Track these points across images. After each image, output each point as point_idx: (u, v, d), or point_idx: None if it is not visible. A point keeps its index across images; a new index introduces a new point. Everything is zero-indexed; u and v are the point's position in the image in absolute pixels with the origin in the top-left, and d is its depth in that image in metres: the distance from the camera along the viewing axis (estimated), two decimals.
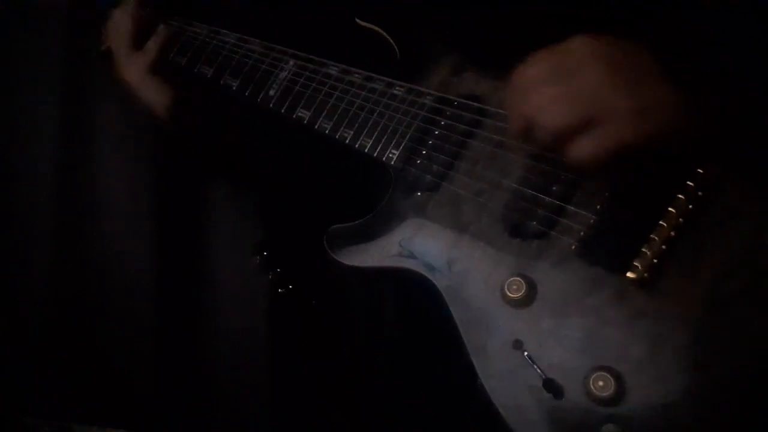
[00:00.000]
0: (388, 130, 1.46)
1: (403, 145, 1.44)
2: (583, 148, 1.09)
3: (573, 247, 1.23)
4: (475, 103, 1.41)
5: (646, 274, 1.15)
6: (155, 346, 2.23)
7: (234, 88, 1.66)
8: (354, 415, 2.05)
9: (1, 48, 2.14)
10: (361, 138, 1.48)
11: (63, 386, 2.15)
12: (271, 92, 1.62)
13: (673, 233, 1.15)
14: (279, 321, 2.22)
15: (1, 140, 2.17)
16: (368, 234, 1.44)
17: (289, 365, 2.25)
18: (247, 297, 2.27)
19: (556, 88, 1.10)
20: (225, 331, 2.29)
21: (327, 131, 1.53)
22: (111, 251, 2.24)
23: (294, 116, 1.57)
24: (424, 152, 1.42)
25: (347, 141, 1.50)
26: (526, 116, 1.14)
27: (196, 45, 1.75)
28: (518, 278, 1.25)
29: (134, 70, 1.69)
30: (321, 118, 1.54)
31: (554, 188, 1.27)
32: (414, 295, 1.42)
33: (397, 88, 1.49)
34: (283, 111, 1.59)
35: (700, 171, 1.16)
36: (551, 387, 1.16)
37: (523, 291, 1.23)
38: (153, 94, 1.67)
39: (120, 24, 1.72)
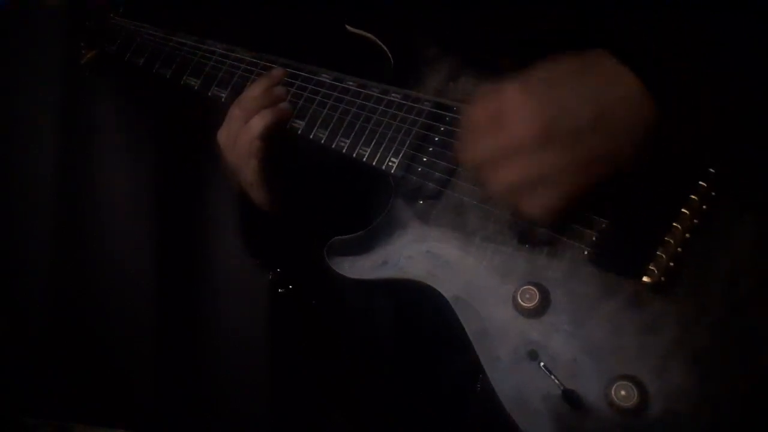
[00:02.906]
0: (386, 138, 1.42)
1: (402, 152, 1.40)
2: (531, 210, 1.16)
3: (586, 252, 1.20)
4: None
5: (662, 278, 1.13)
6: (155, 346, 2.23)
7: (223, 99, 1.60)
8: (354, 415, 2.05)
9: (1, 48, 2.13)
10: (358, 147, 1.44)
11: (63, 386, 2.15)
12: None
13: (687, 235, 1.13)
14: (279, 321, 2.22)
15: (1, 140, 2.16)
16: (370, 245, 1.40)
17: (289, 365, 2.25)
18: (247, 297, 2.27)
19: (493, 144, 1.15)
20: (225, 331, 2.30)
21: (322, 141, 1.48)
22: (111, 251, 2.24)
23: (287, 126, 1.52)
24: (424, 159, 1.38)
25: (344, 150, 1.46)
26: (473, 166, 1.22)
27: (180, 56, 1.70)
28: (531, 287, 1.21)
29: (251, 168, 1.51)
30: (316, 128, 1.50)
31: None
32: (418, 302, 1.39)
33: (392, 94, 1.45)
34: None
35: (712, 171, 1.14)
36: (571, 398, 1.13)
37: (536, 300, 1.20)
38: (269, 184, 1.53)
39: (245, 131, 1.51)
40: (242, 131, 1.49)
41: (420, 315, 1.49)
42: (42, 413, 1.97)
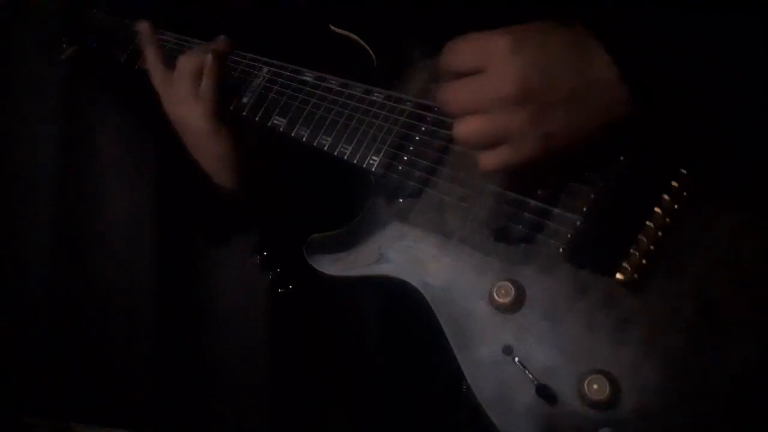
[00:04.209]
0: (368, 137, 1.43)
1: (383, 151, 1.41)
2: (486, 162, 1.17)
3: (560, 250, 1.20)
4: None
5: (635, 276, 1.13)
6: (155, 346, 2.23)
7: None
8: (353, 415, 2.05)
9: (2, 50, 2.14)
10: (340, 145, 1.45)
11: (63, 386, 2.16)
12: (245, 100, 1.60)
13: (660, 233, 1.13)
14: (279, 321, 2.22)
15: (2, 142, 2.18)
16: (349, 242, 1.41)
17: (289, 365, 2.25)
18: (247, 297, 2.27)
19: (470, 92, 1.16)
20: (225, 331, 2.30)
21: (304, 139, 1.50)
22: (111, 251, 2.25)
23: (269, 124, 1.55)
24: (405, 158, 1.39)
25: (326, 148, 1.47)
26: (446, 111, 1.22)
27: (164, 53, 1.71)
28: (506, 283, 1.22)
29: (199, 112, 1.57)
30: (298, 126, 1.51)
31: (539, 191, 1.25)
32: (399, 301, 1.39)
33: (375, 94, 1.46)
34: (257, 119, 1.57)
35: (684, 171, 1.14)
36: (544, 392, 1.14)
37: (511, 296, 1.20)
38: (226, 141, 1.59)
39: (184, 72, 1.58)
40: (183, 66, 1.58)
41: (404, 313, 1.49)
42: (42, 413, 1.98)
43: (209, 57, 1.56)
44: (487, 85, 1.13)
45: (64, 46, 1.93)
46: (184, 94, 1.58)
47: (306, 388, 2.24)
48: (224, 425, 2.28)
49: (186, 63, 1.58)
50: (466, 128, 1.16)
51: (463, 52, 1.18)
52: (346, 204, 1.52)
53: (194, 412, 2.26)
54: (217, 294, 2.31)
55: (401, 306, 1.45)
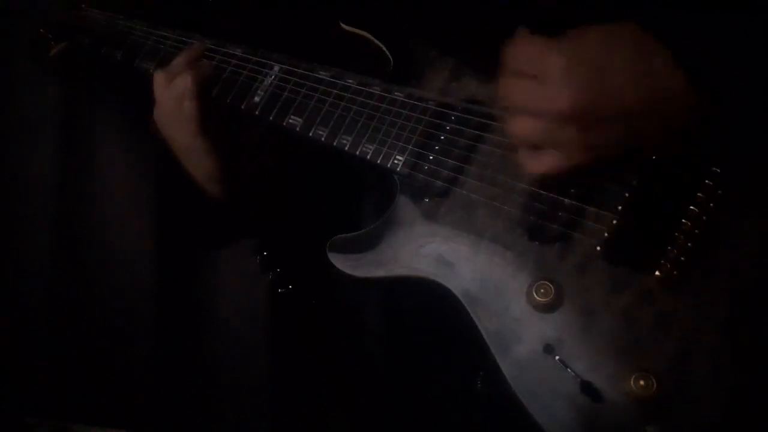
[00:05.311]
0: (391, 136, 1.40)
1: (408, 150, 1.39)
2: (532, 165, 1.22)
3: (598, 248, 1.21)
4: (481, 107, 1.37)
5: (674, 272, 1.15)
6: (155, 346, 2.23)
7: (213, 95, 1.57)
8: (354, 415, 2.06)
9: (2, 50, 2.13)
10: (361, 145, 1.42)
11: (63, 386, 2.15)
12: (256, 99, 1.55)
13: (696, 231, 1.15)
14: (279, 321, 2.22)
15: (2, 142, 2.16)
16: (374, 243, 1.38)
17: (289, 365, 2.25)
18: (247, 297, 2.27)
19: (526, 95, 1.19)
20: (225, 331, 2.30)
21: (323, 139, 1.46)
22: (111, 251, 2.23)
23: (284, 124, 1.50)
24: (431, 157, 1.37)
25: (346, 148, 1.44)
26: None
27: (163, 51, 1.68)
28: (546, 282, 1.22)
29: (186, 133, 1.53)
30: (315, 125, 1.47)
31: (572, 190, 1.25)
32: (422, 300, 1.38)
33: (395, 93, 1.43)
34: (271, 118, 1.52)
35: (717, 170, 1.17)
36: (589, 390, 1.14)
37: (551, 295, 1.21)
38: (215, 158, 1.55)
39: (168, 95, 1.54)
40: (167, 91, 1.53)
41: (421, 314, 1.49)
42: (41, 413, 1.96)
43: (189, 82, 1.51)
44: (541, 95, 1.16)
45: (51, 43, 1.85)
46: (170, 114, 1.54)
47: (306, 388, 2.24)
48: (224, 425, 2.28)
49: (171, 87, 1.53)
50: (520, 126, 1.21)
51: (521, 55, 1.20)
52: (353, 205, 1.53)
53: (194, 412, 2.25)
54: (217, 294, 2.30)
55: (418, 306, 1.46)
